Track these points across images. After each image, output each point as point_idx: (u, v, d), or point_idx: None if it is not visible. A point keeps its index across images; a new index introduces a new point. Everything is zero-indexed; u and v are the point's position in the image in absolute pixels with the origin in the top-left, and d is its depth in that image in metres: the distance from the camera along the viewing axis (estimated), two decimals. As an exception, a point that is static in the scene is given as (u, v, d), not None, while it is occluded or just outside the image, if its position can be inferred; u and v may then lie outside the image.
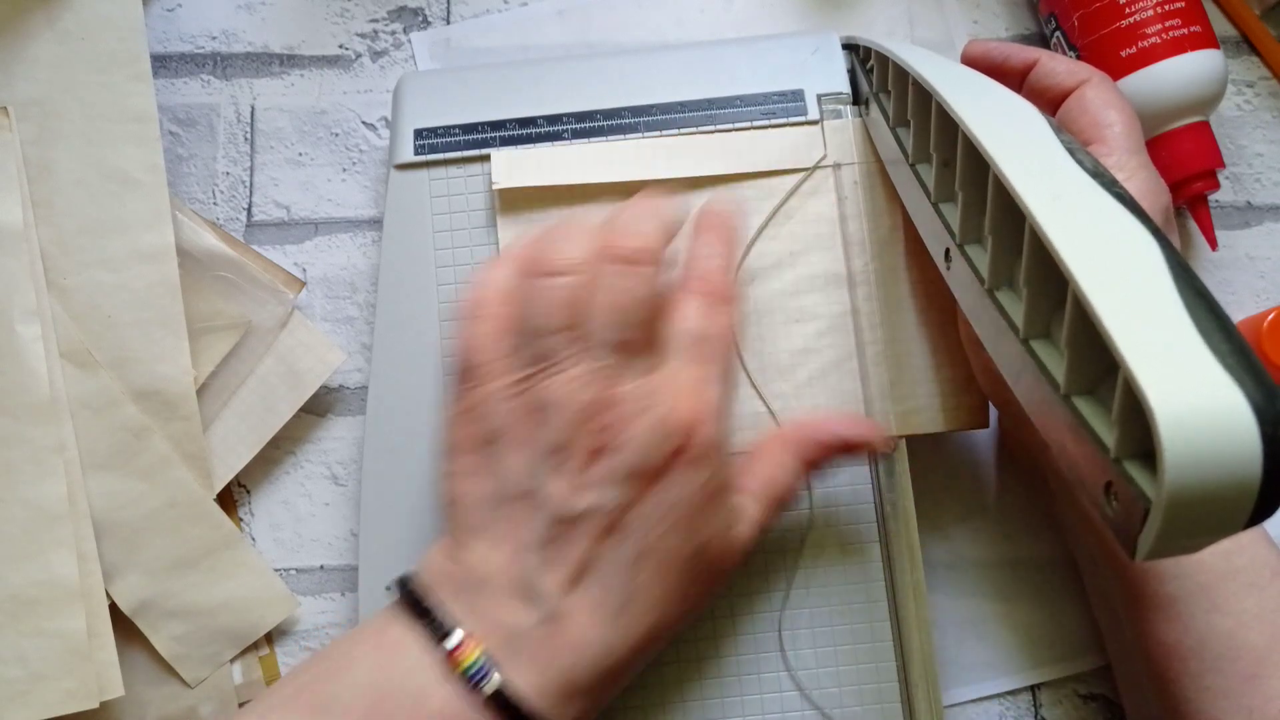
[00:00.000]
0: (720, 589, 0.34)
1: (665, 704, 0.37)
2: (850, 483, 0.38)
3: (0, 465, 0.39)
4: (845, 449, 0.36)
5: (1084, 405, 0.24)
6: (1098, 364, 0.24)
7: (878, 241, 0.40)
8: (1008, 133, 0.28)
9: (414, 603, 0.32)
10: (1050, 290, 0.25)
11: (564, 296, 0.32)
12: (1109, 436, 0.22)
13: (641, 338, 0.33)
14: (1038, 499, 0.43)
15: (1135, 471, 0.21)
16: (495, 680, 0.30)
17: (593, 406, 0.32)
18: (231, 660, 0.42)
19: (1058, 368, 0.25)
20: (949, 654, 0.42)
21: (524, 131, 0.41)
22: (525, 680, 0.30)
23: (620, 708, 0.37)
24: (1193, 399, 0.20)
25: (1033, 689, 0.42)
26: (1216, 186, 0.43)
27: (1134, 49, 0.42)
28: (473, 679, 0.30)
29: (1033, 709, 0.42)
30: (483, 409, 0.33)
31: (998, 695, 0.42)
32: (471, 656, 0.30)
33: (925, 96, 0.32)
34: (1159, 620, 0.34)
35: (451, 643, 0.31)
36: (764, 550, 0.38)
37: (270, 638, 0.42)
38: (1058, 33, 0.45)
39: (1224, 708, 0.33)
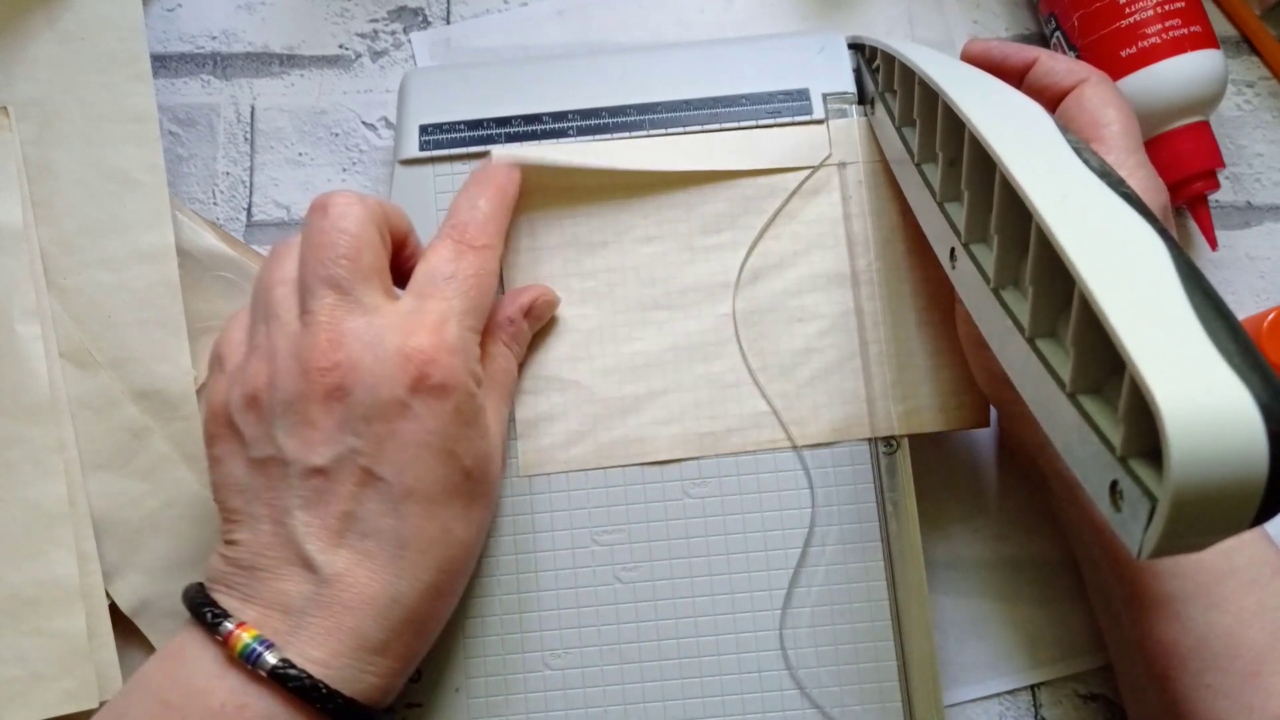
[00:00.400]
0: (494, 498, 0.34)
1: (665, 700, 0.37)
2: (852, 481, 0.38)
3: (0, 465, 0.39)
4: (528, 314, 0.38)
5: (1090, 404, 0.24)
6: (1104, 363, 0.24)
7: (881, 241, 0.40)
8: (1015, 132, 0.28)
9: (191, 606, 0.32)
10: (1056, 290, 0.25)
11: (285, 249, 0.34)
12: (1115, 435, 0.22)
13: (353, 272, 0.32)
14: (1038, 499, 0.43)
15: (1141, 470, 0.21)
16: (270, 659, 0.29)
17: (316, 349, 0.31)
18: (231, 660, 0.42)
19: (1063, 367, 0.25)
20: (949, 654, 0.42)
21: (529, 128, 0.41)
22: (313, 650, 0.30)
23: (621, 702, 0.37)
24: (1199, 397, 0.20)
25: (1033, 689, 0.42)
26: (1216, 186, 0.43)
27: (1134, 49, 0.42)
28: (251, 661, 0.29)
29: (1033, 709, 0.42)
30: (220, 393, 0.33)
31: (998, 695, 0.42)
32: (243, 640, 0.30)
33: (932, 96, 0.32)
34: (1159, 619, 0.34)
35: (223, 632, 0.30)
36: (765, 548, 0.38)
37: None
38: (1058, 33, 0.45)
39: (1224, 706, 0.33)
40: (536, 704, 0.37)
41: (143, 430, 0.41)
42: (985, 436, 0.44)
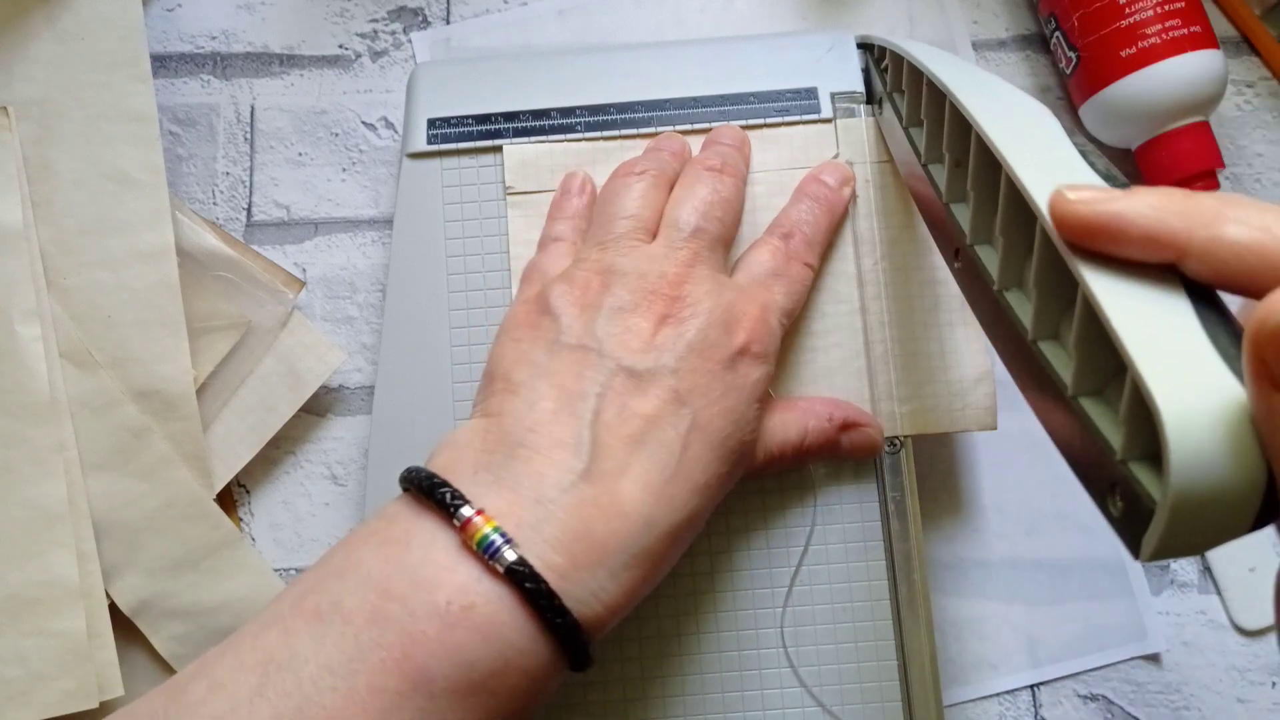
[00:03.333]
0: (728, 486, 0.33)
1: (666, 697, 0.37)
2: (855, 480, 0.38)
3: (0, 465, 0.39)
4: (846, 428, 0.37)
5: (1091, 407, 0.24)
6: (1106, 366, 0.24)
7: (887, 241, 0.40)
8: (1021, 134, 0.28)
9: (422, 488, 0.29)
10: (1059, 292, 0.25)
11: (643, 188, 0.36)
12: (1115, 438, 0.22)
13: (718, 235, 0.35)
14: (1039, 500, 0.43)
15: (1141, 473, 0.22)
16: (512, 552, 0.27)
17: (665, 279, 0.33)
18: (231, 660, 0.42)
19: (1065, 369, 0.25)
20: (949, 654, 0.42)
21: (537, 123, 0.41)
22: (552, 550, 0.28)
23: (622, 699, 0.37)
24: (1199, 401, 0.20)
25: (1033, 689, 0.42)
26: (1216, 186, 0.43)
27: (1134, 49, 0.42)
28: (488, 554, 0.27)
29: (1033, 709, 0.42)
30: (537, 286, 0.34)
31: (997, 695, 0.42)
32: (484, 529, 0.27)
33: (939, 96, 0.33)
34: None
35: (461, 519, 0.28)
36: (768, 546, 0.38)
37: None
38: (1058, 33, 0.45)
39: None
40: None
41: (143, 430, 0.41)
42: (987, 436, 0.44)
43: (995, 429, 0.39)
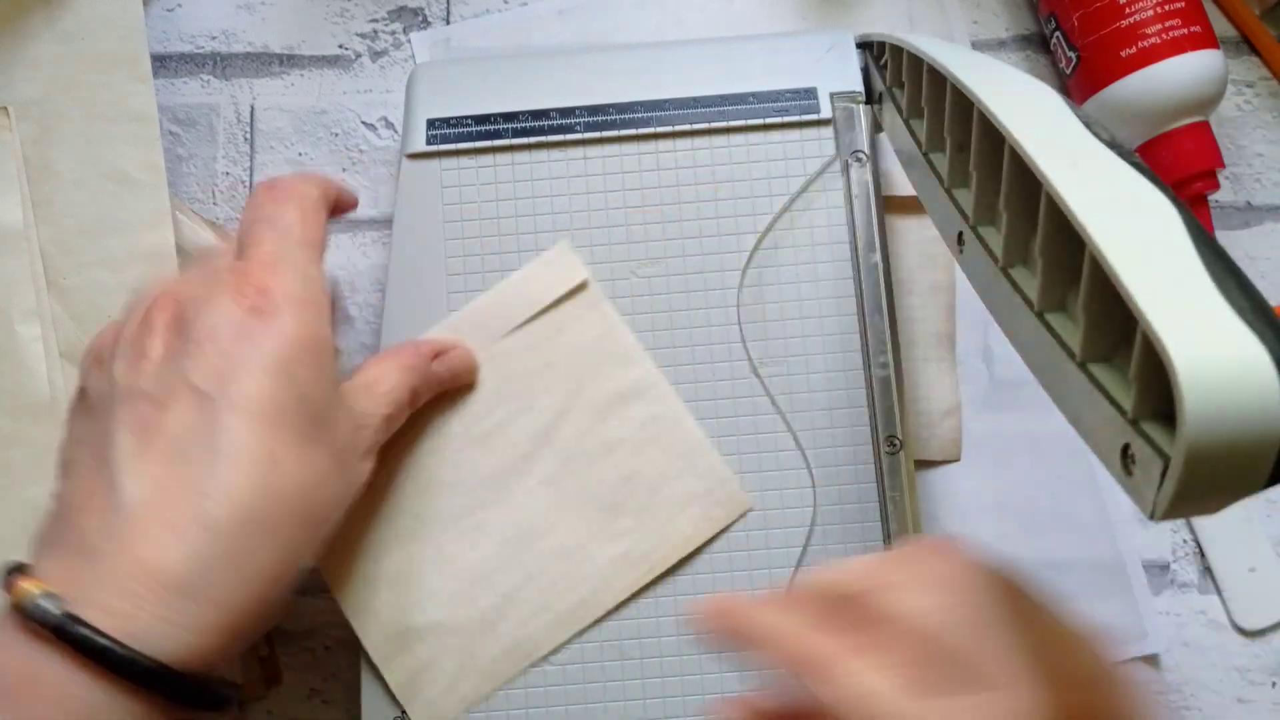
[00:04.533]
0: (339, 453, 0.31)
1: (666, 697, 0.37)
2: (854, 480, 0.38)
3: (0, 465, 0.39)
4: (437, 355, 0.37)
5: (1100, 372, 0.24)
6: (1114, 331, 0.24)
7: (886, 240, 0.40)
8: (1024, 106, 0.28)
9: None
10: (1066, 260, 0.25)
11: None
12: (1126, 399, 0.22)
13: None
14: (1039, 500, 0.43)
15: (1153, 431, 0.21)
16: (55, 609, 0.25)
17: (154, 298, 0.31)
18: (232, 660, 0.42)
19: (1073, 338, 0.25)
20: (949, 654, 0.42)
21: (537, 124, 0.41)
22: (113, 599, 0.26)
23: (622, 698, 0.37)
24: (1213, 352, 0.20)
25: (1033, 689, 0.42)
26: (1216, 186, 0.43)
27: (1134, 49, 0.42)
28: (35, 619, 0.25)
29: (1033, 709, 0.42)
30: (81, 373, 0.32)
31: (997, 695, 0.42)
32: (27, 593, 0.26)
33: (940, 82, 0.33)
34: None
35: (8, 585, 0.26)
36: (767, 546, 0.38)
37: (270, 638, 0.42)
38: (1058, 33, 0.45)
39: None
40: (536, 699, 0.37)
41: (142, 430, 0.41)
42: (987, 436, 0.44)
43: (959, 460, 0.41)
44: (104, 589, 0.26)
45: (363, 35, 0.48)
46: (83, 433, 0.31)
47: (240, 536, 0.27)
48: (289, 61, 0.48)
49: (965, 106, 0.31)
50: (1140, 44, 0.42)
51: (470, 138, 0.41)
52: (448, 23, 0.48)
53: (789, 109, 0.41)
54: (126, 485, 0.27)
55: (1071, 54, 0.44)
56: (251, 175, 0.47)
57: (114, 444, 0.28)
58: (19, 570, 0.27)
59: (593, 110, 0.41)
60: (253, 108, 0.47)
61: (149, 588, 0.26)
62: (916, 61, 0.35)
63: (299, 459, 0.29)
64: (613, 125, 0.41)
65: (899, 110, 0.37)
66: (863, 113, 0.41)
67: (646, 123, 0.41)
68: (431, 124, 0.41)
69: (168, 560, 0.26)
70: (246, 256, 0.32)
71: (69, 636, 0.25)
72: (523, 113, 0.41)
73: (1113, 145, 0.26)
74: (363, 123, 0.47)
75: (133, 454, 0.28)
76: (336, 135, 0.47)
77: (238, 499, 0.27)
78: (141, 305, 0.32)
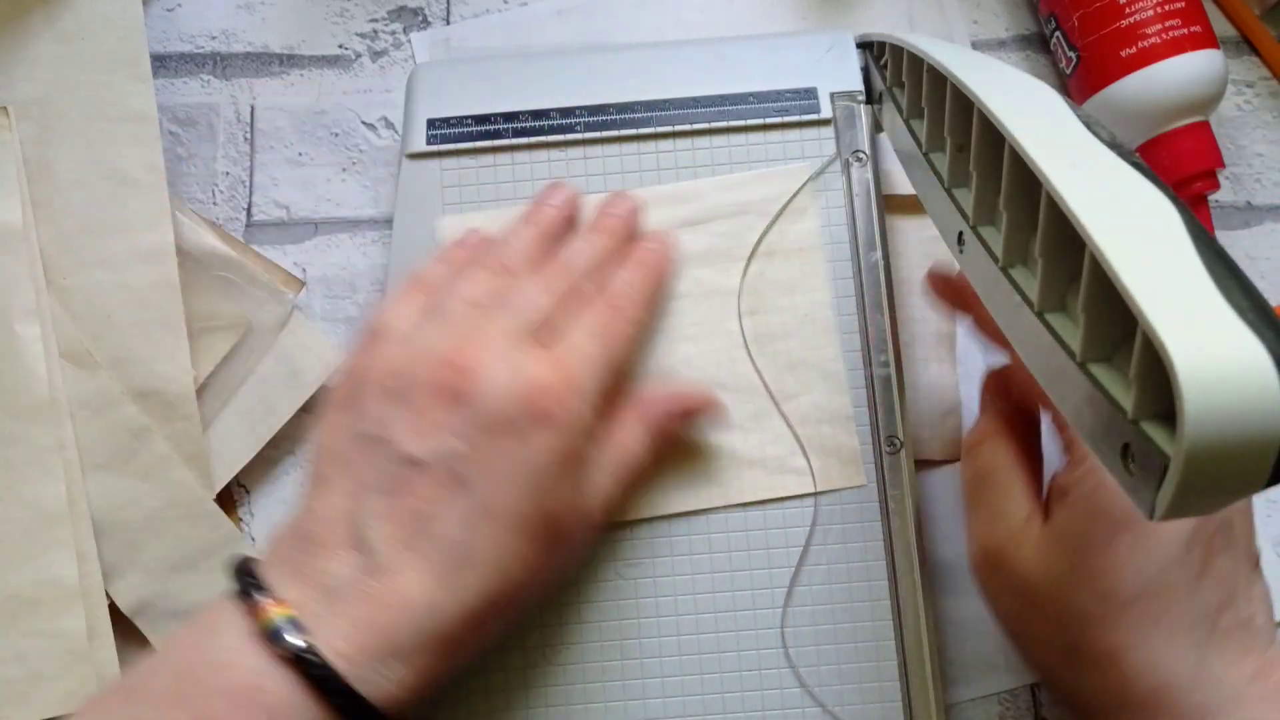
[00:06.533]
0: (568, 562, 0.34)
1: (666, 697, 0.37)
2: (855, 480, 0.38)
3: (0, 465, 0.39)
4: (686, 415, 0.37)
5: (1100, 372, 0.24)
6: (1114, 330, 0.24)
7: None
8: (1024, 106, 0.28)
9: (235, 576, 0.31)
10: (1066, 260, 0.25)
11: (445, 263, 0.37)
12: (1126, 399, 0.22)
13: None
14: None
15: (1153, 431, 0.21)
16: (295, 641, 0.28)
17: (461, 352, 0.32)
18: (231, 660, 0.42)
19: (1073, 338, 0.25)
20: (949, 654, 0.42)
21: (537, 124, 0.41)
22: (339, 642, 0.29)
23: (623, 698, 0.37)
24: (1213, 351, 0.19)
25: (1033, 689, 0.42)
26: (1216, 186, 0.43)
27: (1134, 49, 0.42)
28: (275, 640, 0.29)
29: (1032, 709, 0.42)
30: (359, 363, 0.34)
31: (997, 695, 0.42)
32: (274, 615, 0.29)
33: (940, 82, 0.33)
34: None
35: (253, 604, 0.29)
36: (767, 545, 0.38)
37: (270, 638, 0.42)
38: (1058, 33, 0.45)
39: None
40: (536, 699, 0.37)
41: (143, 430, 0.41)
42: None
43: (960, 460, 0.39)
44: (336, 632, 0.29)
45: (363, 35, 0.48)
46: (346, 455, 0.32)
47: (459, 627, 0.30)
48: (289, 61, 0.48)
49: (965, 106, 0.31)
50: (1140, 44, 0.42)
51: (470, 137, 0.41)
52: (447, 22, 0.48)
53: (789, 109, 0.41)
54: (376, 551, 0.30)
55: (1071, 54, 0.44)
56: (251, 175, 0.47)
57: (370, 498, 0.31)
58: (252, 577, 0.30)
59: (593, 110, 0.41)
60: (253, 108, 0.47)
61: (374, 648, 0.29)
62: (917, 61, 0.35)
63: (530, 567, 0.32)
64: (613, 125, 0.41)
65: (899, 110, 0.38)
66: (863, 112, 0.41)
67: (647, 123, 0.41)
68: (432, 124, 0.42)
69: (396, 632, 0.29)
70: (559, 331, 0.34)
71: (306, 666, 0.28)
72: (523, 113, 0.41)
73: (1113, 145, 0.26)
74: (363, 123, 0.47)
75: (385, 519, 0.31)
76: (336, 135, 0.47)
77: (468, 600, 0.30)
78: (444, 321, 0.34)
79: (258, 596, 0.30)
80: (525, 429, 0.31)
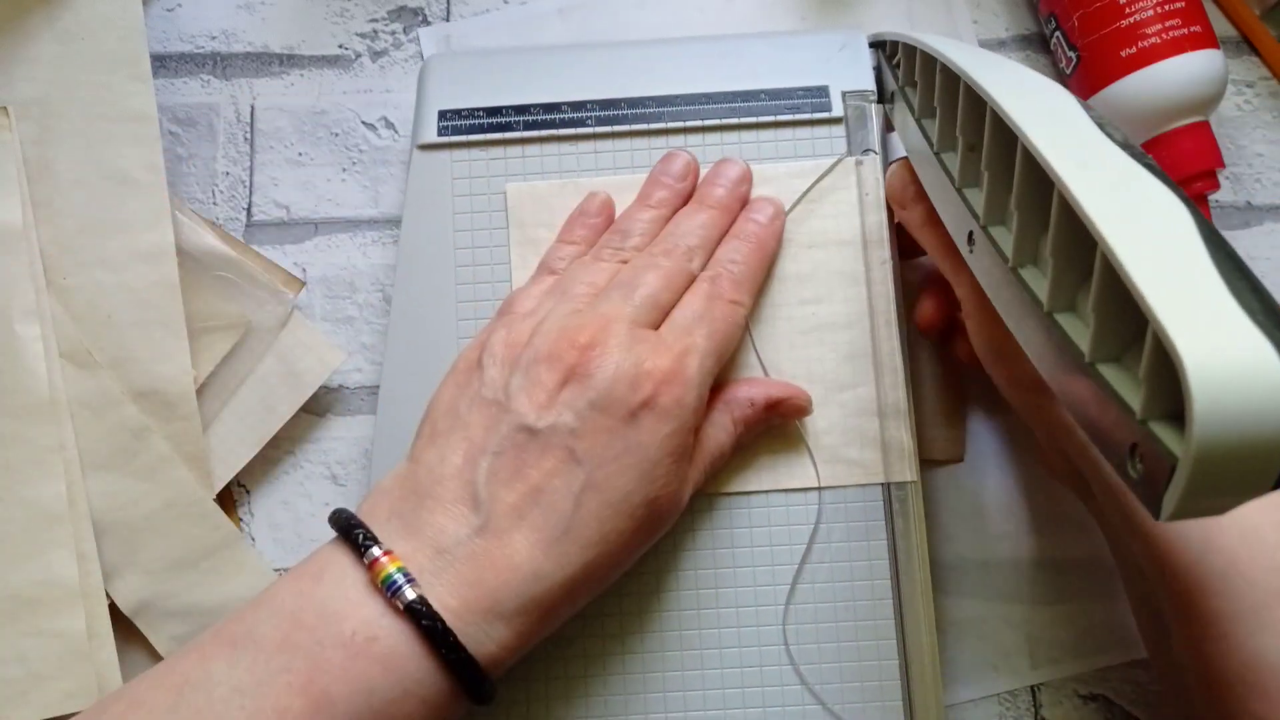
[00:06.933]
0: (651, 543, 0.35)
1: (667, 693, 0.37)
2: (858, 479, 0.38)
3: (0, 465, 0.39)
4: (772, 407, 0.38)
5: (1109, 372, 0.24)
6: (1124, 331, 0.24)
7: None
8: (1037, 106, 0.28)
9: (341, 527, 0.32)
10: (1077, 261, 0.25)
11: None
12: (1135, 399, 0.22)
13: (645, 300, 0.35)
14: (1038, 499, 0.43)
15: (1162, 432, 0.21)
16: (413, 591, 0.30)
17: (582, 328, 0.33)
18: (231, 660, 0.42)
19: (1083, 338, 0.25)
20: (949, 654, 0.42)
21: (548, 117, 0.41)
22: (449, 598, 0.30)
23: (623, 694, 0.37)
24: (1223, 352, 0.20)
25: (1033, 689, 0.42)
26: (1216, 186, 0.43)
27: (1134, 49, 0.42)
28: (390, 591, 0.30)
29: (1032, 709, 0.42)
30: (487, 333, 0.36)
31: (997, 695, 0.42)
32: (389, 569, 0.30)
33: (953, 82, 0.33)
34: (1205, 638, 0.32)
35: (370, 557, 0.30)
36: (770, 543, 0.38)
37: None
38: (1058, 33, 0.45)
39: None
40: (537, 694, 0.37)
41: (143, 430, 0.41)
42: (989, 437, 0.44)
43: (962, 460, 0.41)
44: (445, 588, 0.30)
45: (363, 35, 0.48)
46: (464, 415, 0.34)
47: (556, 593, 0.31)
48: (289, 61, 0.48)
49: (978, 106, 0.31)
50: (1140, 44, 0.42)
51: (481, 129, 0.41)
52: (448, 21, 0.48)
53: (801, 107, 0.41)
54: (489, 514, 0.31)
55: (1071, 54, 0.44)
56: (251, 175, 0.47)
57: (487, 460, 0.32)
58: (362, 528, 0.31)
59: (604, 105, 0.41)
60: (253, 108, 0.47)
61: (480, 604, 0.30)
62: (929, 61, 0.35)
63: (623, 545, 0.33)
64: (624, 120, 0.41)
65: (911, 109, 0.38)
66: (874, 111, 0.41)
67: (658, 118, 0.41)
68: (443, 115, 0.42)
69: (502, 592, 0.31)
70: (670, 316, 0.35)
71: (420, 616, 0.29)
72: (534, 105, 0.41)
73: (1125, 146, 0.26)
74: (363, 123, 0.47)
75: (502, 485, 0.32)
76: (336, 135, 0.47)
77: (567, 570, 0.31)
78: (568, 309, 0.35)
79: (373, 549, 0.30)
80: (638, 414, 0.32)
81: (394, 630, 0.29)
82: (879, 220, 0.40)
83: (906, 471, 0.38)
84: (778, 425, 0.39)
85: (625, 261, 0.37)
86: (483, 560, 0.31)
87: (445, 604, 0.30)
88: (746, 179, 0.40)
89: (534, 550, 0.31)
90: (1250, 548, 0.32)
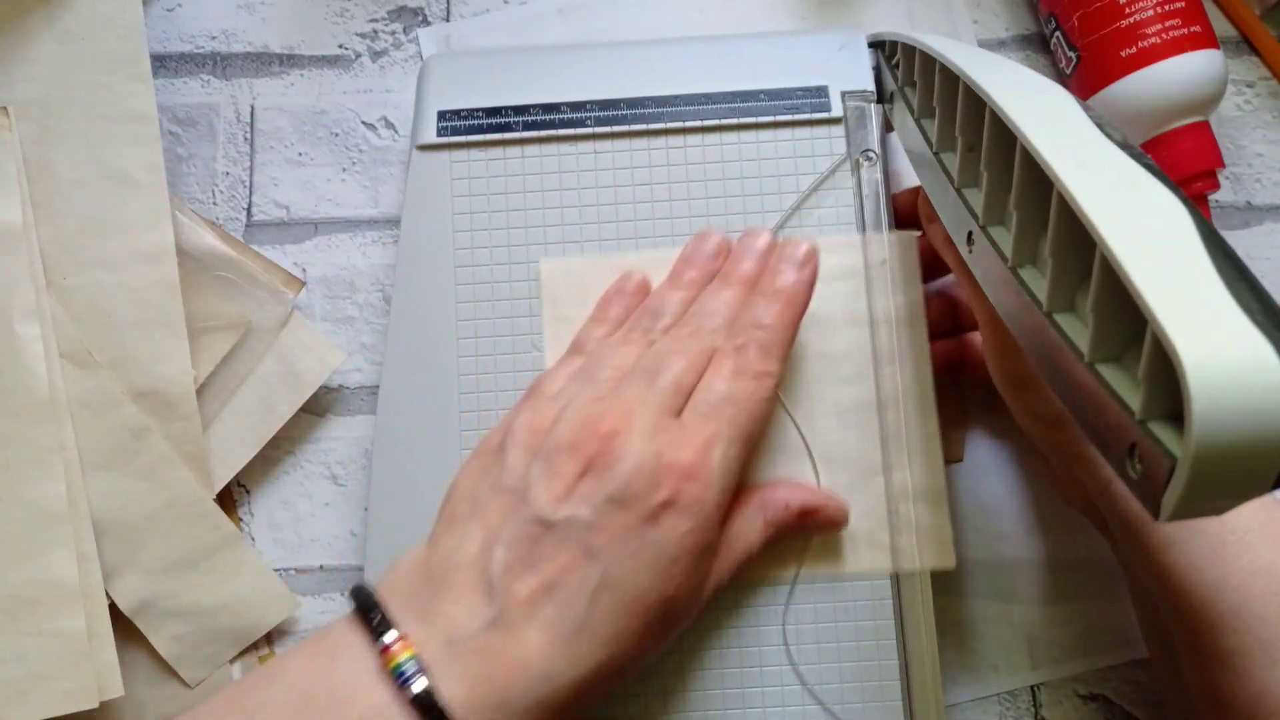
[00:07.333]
0: (666, 646, 0.34)
1: (667, 693, 0.37)
2: (946, 562, 0.38)
3: (0, 465, 0.39)
4: (806, 515, 0.36)
5: (1108, 372, 0.24)
6: (1123, 331, 0.24)
7: (895, 239, 0.40)
8: (1037, 107, 0.28)
9: (360, 606, 0.31)
10: (1076, 260, 0.25)
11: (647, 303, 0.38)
12: (1135, 399, 0.22)
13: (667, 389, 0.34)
14: (1038, 499, 0.43)
15: (1161, 432, 0.21)
16: (423, 682, 0.29)
17: (603, 422, 0.32)
18: (231, 660, 0.42)
19: (1082, 338, 0.25)
20: (949, 654, 0.42)
21: (547, 117, 0.41)
22: (458, 688, 0.29)
23: (624, 697, 0.37)
24: (1222, 351, 0.20)
25: (1033, 689, 0.42)
26: (1216, 186, 0.43)
27: (1134, 49, 0.42)
28: (400, 680, 0.29)
29: (1033, 709, 0.42)
30: (513, 416, 0.35)
31: (997, 695, 0.42)
32: (402, 656, 0.29)
33: (952, 82, 0.33)
34: (1218, 673, 0.33)
35: (385, 642, 0.30)
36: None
37: (270, 638, 0.42)
38: (1058, 33, 0.45)
39: None
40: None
41: (143, 430, 0.41)
42: (988, 436, 0.44)
43: (962, 460, 0.40)
44: (455, 680, 0.29)
45: (363, 35, 0.48)
46: (484, 502, 0.33)
47: (567, 693, 0.30)
48: (289, 61, 0.48)
49: (977, 106, 0.31)
50: (1140, 44, 0.42)
51: (481, 130, 0.41)
52: (448, 21, 0.48)
53: (800, 107, 0.41)
54: (503, 608, 0.30)
55: (1071, 54, 0.44)
56: (251, 175, 0.47)
57: (501, 554, 0.31)
58: (378, 609, 0.31)
59: (603, 105, 0.41)
60: (253, 108, 0.47)
61: (488, 700, 0.29)
62: (929, 61, 0.35)
63: (637, 647, 0.32)
64: (623, 120, 0.41)
65: (910, 109, 0.38)
66: (874, 112, 0.41)
67: (657, 118, 0.41)
68: (442, 115, 0.42)
69: (511, 690, 0.30)
70: (693, 400, 0.34)
71: (427, 709, 0.29)
72: (534, 106, 0.41)
73: (1125, 146, 0.26)
74: (363, 123, 0.47)
75: (516, 578, 0.31)
76: (336, 135, 0.47)
77: (579, 670, 0.30)
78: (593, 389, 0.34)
79: (386, 634, 0.30)
80: (657, 510, 0.31)
81: (401, 718, 0.29)
82: (878, 221, 0.40)
83: (947, 559, 0.37)
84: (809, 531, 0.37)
85: (654, 343, 0.36)
86: (494, 655, 0.30)
87: (454, 695, 0.29)
88: (771, 249, 0.38)
89: (547, 648, 0.30)
90: (1264, 584, 0.32)
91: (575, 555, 0.31)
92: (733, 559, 0.35)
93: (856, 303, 0.39)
